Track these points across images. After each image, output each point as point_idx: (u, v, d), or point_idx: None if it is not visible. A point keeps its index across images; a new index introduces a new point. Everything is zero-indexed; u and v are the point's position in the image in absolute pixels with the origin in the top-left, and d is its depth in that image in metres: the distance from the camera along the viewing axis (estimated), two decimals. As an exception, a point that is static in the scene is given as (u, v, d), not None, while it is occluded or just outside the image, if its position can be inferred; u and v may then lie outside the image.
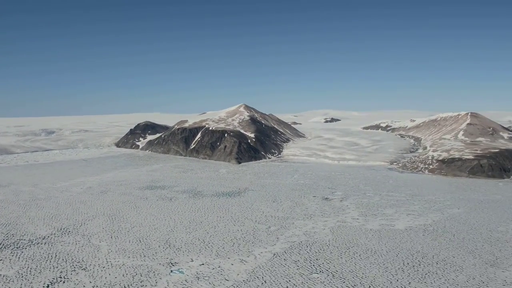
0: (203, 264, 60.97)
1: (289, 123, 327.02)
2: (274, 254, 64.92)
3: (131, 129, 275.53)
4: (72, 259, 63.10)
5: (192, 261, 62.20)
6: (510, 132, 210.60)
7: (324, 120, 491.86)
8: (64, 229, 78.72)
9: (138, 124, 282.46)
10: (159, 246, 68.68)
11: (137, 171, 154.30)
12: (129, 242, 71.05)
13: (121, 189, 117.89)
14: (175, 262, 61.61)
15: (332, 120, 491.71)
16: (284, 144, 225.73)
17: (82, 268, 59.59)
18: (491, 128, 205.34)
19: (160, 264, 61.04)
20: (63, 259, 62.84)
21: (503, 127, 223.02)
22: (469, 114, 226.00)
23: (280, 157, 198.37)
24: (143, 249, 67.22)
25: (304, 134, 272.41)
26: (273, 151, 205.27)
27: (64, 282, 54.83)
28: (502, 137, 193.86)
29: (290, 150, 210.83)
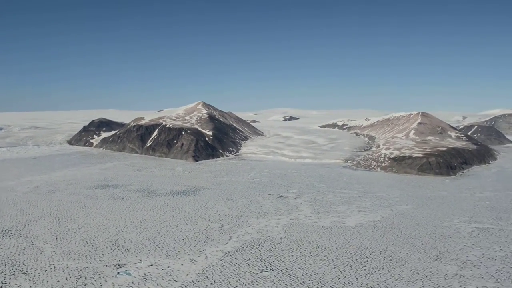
0: (151, 265, 59.50)
1: (248, 121, 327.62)
2: (226, 253, 64.44)
3: (84, 126, 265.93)
4: (12, 262, 59.84)
5: (141, 262, 60.58)
6: (457, 132, 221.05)
7: (283, 119, 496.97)
8: (5, 231, 74.56)
9: (93, 121, 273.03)
10: (106, 247, 66.46)
11: (89, 169, 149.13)
12: (75, 243, 68.33)
13: (70, 188, 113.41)
14: (123, 264, 59.77)
15: (291, 118, 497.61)
16: (242, 142, 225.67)
17: (22, 272, 56.61)
18: (440, 128, 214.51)
19: (106, 266, 59.00)
20: (2, 263, 59.41)
21: (451, 126, 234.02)
22: (420, 114, 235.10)
23: (237, 155, 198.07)
24: (89, 251, 64.81)
25: (262, 132, 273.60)
26: (231, 149, 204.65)
27: (1, 287, 51.87)
28: (450, 136, 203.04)
29: (248, 148, 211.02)
